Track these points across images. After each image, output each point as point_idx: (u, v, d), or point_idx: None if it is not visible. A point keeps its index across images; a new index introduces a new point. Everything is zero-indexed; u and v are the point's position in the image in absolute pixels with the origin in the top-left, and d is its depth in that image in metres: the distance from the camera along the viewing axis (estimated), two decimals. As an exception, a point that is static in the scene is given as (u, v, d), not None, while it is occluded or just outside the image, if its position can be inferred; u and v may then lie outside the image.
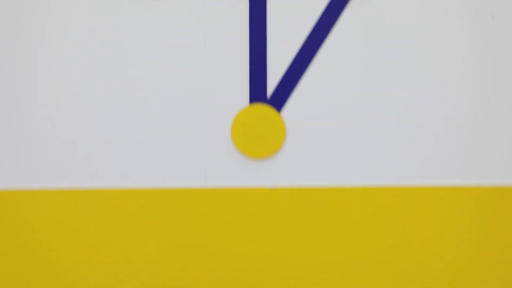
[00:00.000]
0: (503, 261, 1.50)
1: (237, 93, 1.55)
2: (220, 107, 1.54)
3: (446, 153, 1.53)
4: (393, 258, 1.51)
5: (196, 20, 1.55)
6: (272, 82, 1.55)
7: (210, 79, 1.55)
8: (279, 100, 1.54)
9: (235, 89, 1.55)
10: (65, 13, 1.55)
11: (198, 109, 1.55)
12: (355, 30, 1.54)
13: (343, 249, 1.51)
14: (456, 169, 1.53)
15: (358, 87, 1.54)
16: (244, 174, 1.55)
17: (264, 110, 1.54)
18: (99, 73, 1.55)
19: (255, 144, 1.54)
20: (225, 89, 1.55)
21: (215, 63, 1.55)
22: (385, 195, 1.52)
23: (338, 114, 1.54)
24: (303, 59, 1.54)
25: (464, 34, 1.54)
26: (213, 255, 1.52)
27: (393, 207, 1.51)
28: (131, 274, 1.52)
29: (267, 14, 1.54)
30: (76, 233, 1.52)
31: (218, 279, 1.52)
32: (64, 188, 1.53)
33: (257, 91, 1.54)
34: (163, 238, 1.52)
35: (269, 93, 1.55)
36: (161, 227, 1.52)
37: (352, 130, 1.54)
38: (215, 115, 1.55)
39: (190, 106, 1.54)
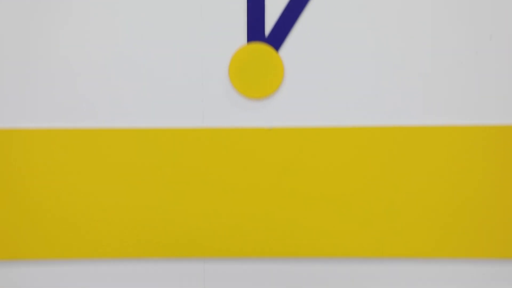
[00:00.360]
0: (500, 196, 1.52)
1: (234, 31, 1.51)
2: (217, 46, 1.51)
3: (447, 92, 1.52)
4: (390, 196, 1.53)
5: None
6: (270, 20, 1.51)
7: (207, 17, 1.51)
8: (277, 38, 1.51)
9: (232, 28, 1.51)
10: None
11: (195, 48, 1.52)
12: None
13: (341, 188, 1.53)
14: (457, 108, 1.52)
15: (358, 26, 1.50)
16: (241, 114, 1.54)
17: (262, 49, 1.51)
18: (98, 15, 1.51)
19: (252, 84, 1.52)
20: (222, 27, 1.51)
21: (212, 0, 1.51)
22: (384, 135, 1.52)
23: (338, 53, 1.51)
24: (303, -4, 1.51)
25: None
26: (210, 195, 1.54)
27: (392, 146, 1.52)
28: (128, 212, 1.54)
29: None
30: (74, 172, 1.53)
31: (215, 216, 1.54)
32: (62, 128, 1.53)
33: (255, 30, 1.51)
34: (161, 177, 1.53)
35: (267, 31, 1.51)
36: (159, 166, 1.53)
37: (351, 69, 1.52)
38: (212, 54, 1.52)
39: (186, 45, 1.51)
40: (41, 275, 1.59)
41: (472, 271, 1.57)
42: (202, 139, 1.52)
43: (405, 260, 1.57)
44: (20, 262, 1.58)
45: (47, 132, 1.52)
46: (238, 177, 1.53)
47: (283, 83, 1.53)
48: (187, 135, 1.52)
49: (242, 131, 1.53)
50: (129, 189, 1.54)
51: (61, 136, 1.52)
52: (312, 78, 1.52)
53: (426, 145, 1.51)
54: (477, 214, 1.52)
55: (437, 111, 1.53)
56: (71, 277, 1.59)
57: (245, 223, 1.54)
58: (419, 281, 1.58)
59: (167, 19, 1.51)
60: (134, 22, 1.51)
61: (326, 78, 1.53)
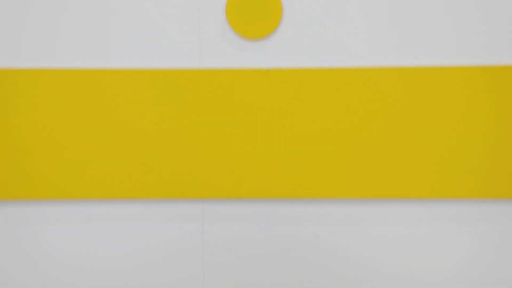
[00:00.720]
0: (502, 137, 1.51)
1: (231, -31, 1.48)
2: (214, -15, 1.49)
3: (448, 33, 1.50)
4: (390, 138, 1.52)
5: None
6: (269, -43, 1.48)
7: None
8: (275, -23, 1.48)
9: (230, -35, 1.48)
10: None
11: (191, -13, 1.50)
12: None
13: (340, 130, 1.52)
14: (461, 48, 1.50)
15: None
16: (239, 55, 1.52)
17: (260, -13, 1.48)
18: None
19: (250, 24, 1.49)
20: (219, -35, 1.48)
21: None
22: (385, 75, 1.50)
23: (337, -8, 1.49)
24: None
25: None
26: (208, 136, 1.53)
27: (393, 87, 1.50)
28: (127, 153, 1.54)
29: None
30: (71, 113, 1.53)
31: (213, 158, 1.54)
32: (58, 68, 1.52)
33: (252, -33, 1.48)
34: (159, 119, 1.53)
35: (266, -31, 1.48)
36: (155, 108, 1.52)
37: (351, 9, 1.49)
38: (209, -7, 1.50)
39: (182, -16, 1.49)
40: (42, 215, 1.60)
41: (471, 211, 1.58)
42: (199, 80, 1.51)
43: (403, 200, 1.58)
44: (26, 202, 1.60)
45: (43, 72, 1.51)
46: (236, 118, 1.52)
47: (281, 23, 1.50)
48: (184, 76, 1.51)
49: (240, 72, 1.51)
50: (127, 131, 1.53)
51: (56, 77, 1.51)
52: (310, 17, 1.50)
53: (428, 86, 1.50)
54: (478, 155, 1.52)
55: (440, 51, 1.51)
56: (71, 217, 1.60)
57: (243, 164, 1.54)
58: (418, 221, 1.59)
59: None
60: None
61: (325, 18, 1.50)
